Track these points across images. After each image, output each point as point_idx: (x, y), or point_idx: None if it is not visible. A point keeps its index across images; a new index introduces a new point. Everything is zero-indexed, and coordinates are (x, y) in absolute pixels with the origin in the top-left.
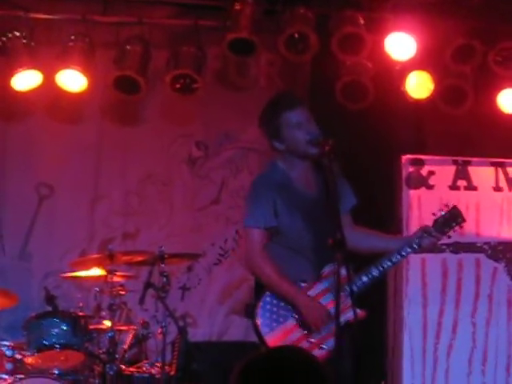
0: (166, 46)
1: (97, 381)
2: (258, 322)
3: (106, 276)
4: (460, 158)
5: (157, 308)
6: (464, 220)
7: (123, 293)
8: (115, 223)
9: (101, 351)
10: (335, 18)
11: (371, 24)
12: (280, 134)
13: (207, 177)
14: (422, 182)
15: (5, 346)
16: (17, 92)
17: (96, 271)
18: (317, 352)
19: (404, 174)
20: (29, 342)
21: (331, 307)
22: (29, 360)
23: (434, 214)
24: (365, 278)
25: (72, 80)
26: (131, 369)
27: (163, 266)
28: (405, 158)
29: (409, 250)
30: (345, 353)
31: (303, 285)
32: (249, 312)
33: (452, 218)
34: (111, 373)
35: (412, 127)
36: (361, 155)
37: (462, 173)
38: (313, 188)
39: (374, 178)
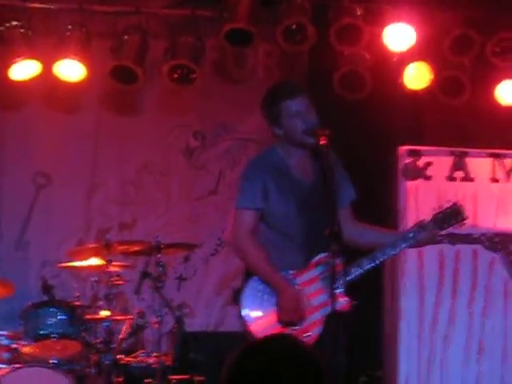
0: (163, 36)
1: (93, 370)
2: (242, 306)
3: (102, 266)
4: (457, 149)
5: (153, 298)
6: (465, 218)
7: (120, 283)
8: (112, 213)
9: (97, 341)
10: (333, 9)
11: (369, 15)
12: (279, 121)
13: (204, 167)
14: (419, 173)
15: (1, 335)
16: (14, 81)
17: (93, 261)
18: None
19: (401, 165)
20: (25, 331)
21: (318, 296)
22: (25, 349)
23: (434, 209)
24: (356, 270)
25: (69, 70)
26: (127, 358)
27: (160, 256)
28: (402, 149)
29: (404, 244)
30: (335, 342)
31: (291, 272)
32: (235, 297)
33: (453, 214)
34: (107, 362)
35: (409, 118)
36: (358, 146)
37: (459, 164)
38: (310, 176)
39: (371, 168)
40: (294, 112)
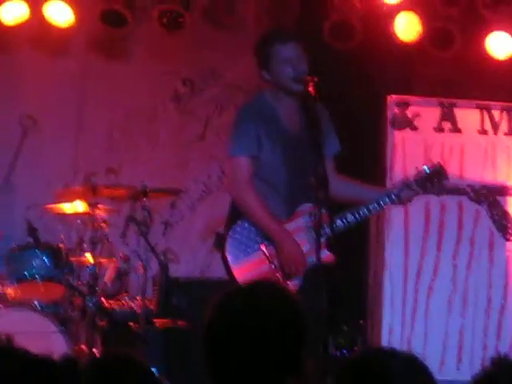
0: None
1: (77, 313)
2: (226, 252)
3: (88, 209)
4: (446, 100)
5: (138, 243)
6: (447, 178)
7: (105, 226)
8: (99, 157)
9: (81, 284)
10: None
11: None
12: (269, 65)
13: (192, 113)
14: (407, 123)
15: None
16: (2, 25)
17: (78, 204)
18: None
19: (389, 114)
20: (9, 273)
21: (303, 246)
22: (9, 291)
23: (417, 168)
24: (339, 222)
25: (58, 13)
26: (111, 302)
27: (145, 200)
28: (390, 98)
29: (387, 200)
30: (319, 291)
31: None
32: (218, 242)
33: (435, 174)
34: (91, 306)
35: (399, 68)
36: (347, 95)
37: (447, 115)
38: (297, 126)
39: (360, 118)
40: (284, 58)
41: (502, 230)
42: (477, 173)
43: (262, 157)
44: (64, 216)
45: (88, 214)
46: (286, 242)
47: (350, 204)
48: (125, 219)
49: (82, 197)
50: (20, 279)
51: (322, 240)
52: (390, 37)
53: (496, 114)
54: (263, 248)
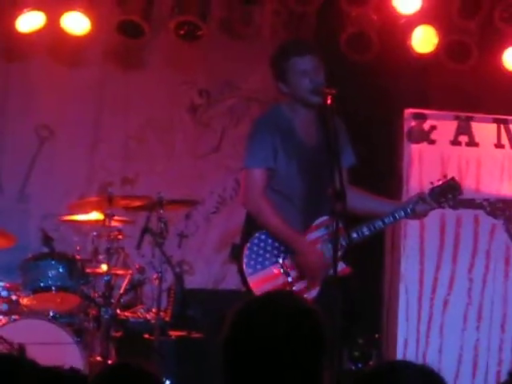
0: None
1: (92, 324)
2: (243, 262)
3: (103, 220)
4: (462, 114)
5: (153, 254)
6: (461, 193)
7: (121, 237)
8: (114, 167)
9: (96, 295)
10: None
11: None
12: (286, 77)
13: (208, 125)
14: (424, 137)
15: (0, 286)
16: (19, 34)
17: (94, 215)
18: None
19: (406, 127)
20: (25, 283)
21: None
22: (24, 301)
23: (431, 183)
24: (354, 235)
25: (75, 22)
26: (126, 313)
27: (161, 211)
28: (407, 111)
29: (402, 213)
30: (335, 303)
31: None
32: (234, 253)
33: (449, 189)
34: (106, 316)
35: (416, 81)
36: (364, 107)
37: (463, 128)
38: (314, 138)
39: (377, 130)
40: (301, 70)
41: None
42: (493, 186)
43: (277, 169)
44: (79, 226)
45: (104, 224)
46: (307, 249)
47: (364, 217)
48: (140, 230)
49: (98, 207)
50: (35, 289)
51: (339, 253)
52: (407, 49)
53: None
54: (280, 261)
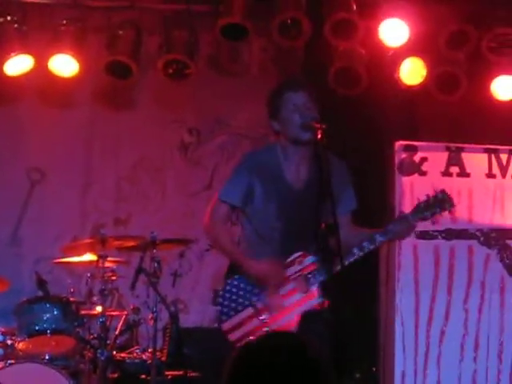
0: (157, 31)
1: (88, 366)
2: (218, 309)
3: (97, 261)
4: (453, 145)
5: (148, 294)
6: (453, 205)
7: (114, 278)
8: (107, 208)
9: (92, 336)
10: (328, 3)
11: (364, 9)
12: (278, 114)
13: (199, 163)
14: (415, 169)
15: None
16: (8, 77)
17: (87, 256)
18: None
19: (397, 160)
20: (20, 327)
21: (291, 296)
22: (20, 345)
23: (418, 199)
24: (330, 269)
25: (63, 65)
26: (122, 354)
27: (155, 251)
28: (398, 144)
29: (380, 237)
30: (320, 339)
31: None
32: (215, 299)
33: (437, 202)
34: (102, 358)
35: (405, 113)
36: (354, 141)
37: (454, 159)
38: (302, 181)
39: (367, 164)
40: (293, 105)
41: None
42: (486, 216)
43: (256, 210)
44: (73, 268)
45: (97, 265)
46: (253, 265)
47: None
48: (134, 270)
49: (91, 249)
50: (30, 333)
51: (314, 288)
52: (396, 82)
53: (504, 157)
54: (252, 303)
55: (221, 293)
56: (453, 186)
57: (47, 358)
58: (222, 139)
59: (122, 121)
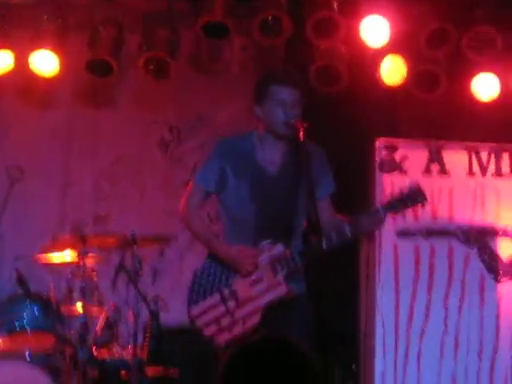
0: (139, 29)
1: (68, 364)
2: (188, 294)
3: (77, 259)
4: (433, 143)
5: (128, 292)
6: (425, 199)
7: (95, 276)
8: (86, 207)
9: (72, 334)
10: (308, 2)
11: (345, 8)
12: (262, 102)
13: (180, 161)
14: (395, 167)
15: None
16: None
17: (68, 254)
18: (237, 329)
19: (377, 158)
20: (0, 324)
21: (256, 285)
22: None
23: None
24: (298, 259)
25: (44, 62)
26: (102, 352)
27: (135, 249)
28: (378, 141)
29: (347, 229)
30: (293, 327)
31: None
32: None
33: (410, 196)
34: (82, 356)
35: (386, 112)
36: (334, 140)
37: (435, 157)
38: (276, 167)
39: (347, 162)
40: (278, 99)
41: (493, 271)
42: (466, 215)
43: (229, 194)
44: (53, 266)
45: (77, 263)
46: (225, 250)
47: None
48: (114, 268)
49: (72, 247)
50: (10, 330)
51: (281, 277)
52: (376, 80)
53: (484, 155)
54: (220, 290)
55: (193, 278)
56: (433, 184)
57: (27, 355)
58: (203, 137)
59: (101, 119)
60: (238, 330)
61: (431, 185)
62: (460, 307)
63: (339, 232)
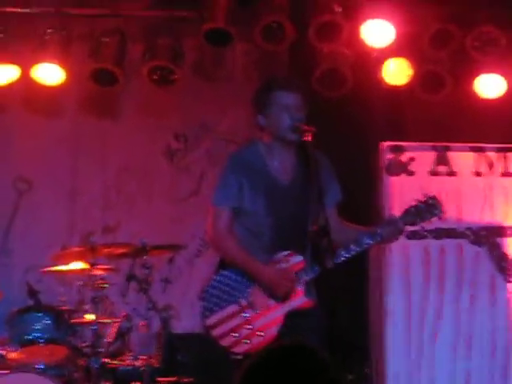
0: (142, 38)
1: (81, 374)
2: (202, 304)
3: (87, 269)
4: (439, 144)
5: (138, 300)
6: (442, 212)
7: (105, 286)
8: (95, 216)
9: (84, 345)
10: (311, 6)
11: (347, 11)
12: (266, 110)
13: (187, 169)
14: (402, 169)
15: None
16: None
17: (78, 265)
18: (256, 339)
19: (384, 161)
20: (12, 337)
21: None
22: (12, 356)
23: (408, 203)
24: (317, 268)
25: (49, 73)
26: (115, 362)
27: (146, 257)
28: (384, 144)
29: (368, 240)
30: (307, 333)
31: None
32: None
33: (428, 208)
34: (95, 366)
35: (390, 114)
36: (340, 143)
37: (441, 158)
38: (289, 176)
39: (354, 166)
40: (283, 105)
41: (503, 271)
42: (475, 215)
43: (245, 207)
44: (64, 277)
45: (88, 274)
46: (264, 272)
47: None
48: (125, 277)
49: (81, 257)
50: (22, 342)
51: (300, 287)
52: (380, 82)
53: (490, 155)
54: (237, 300)
55: (206, 288)
56: (441, 185)
57: (40, 367)
58: (208, 144)
59: (107, 128)
60: (257, 341)
61: (439, 186)
62: (471, 307)
63: (358, 243)
